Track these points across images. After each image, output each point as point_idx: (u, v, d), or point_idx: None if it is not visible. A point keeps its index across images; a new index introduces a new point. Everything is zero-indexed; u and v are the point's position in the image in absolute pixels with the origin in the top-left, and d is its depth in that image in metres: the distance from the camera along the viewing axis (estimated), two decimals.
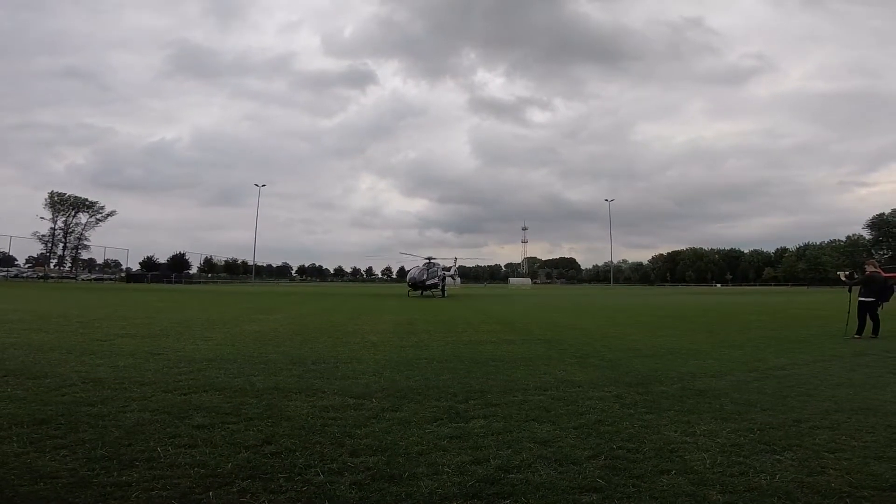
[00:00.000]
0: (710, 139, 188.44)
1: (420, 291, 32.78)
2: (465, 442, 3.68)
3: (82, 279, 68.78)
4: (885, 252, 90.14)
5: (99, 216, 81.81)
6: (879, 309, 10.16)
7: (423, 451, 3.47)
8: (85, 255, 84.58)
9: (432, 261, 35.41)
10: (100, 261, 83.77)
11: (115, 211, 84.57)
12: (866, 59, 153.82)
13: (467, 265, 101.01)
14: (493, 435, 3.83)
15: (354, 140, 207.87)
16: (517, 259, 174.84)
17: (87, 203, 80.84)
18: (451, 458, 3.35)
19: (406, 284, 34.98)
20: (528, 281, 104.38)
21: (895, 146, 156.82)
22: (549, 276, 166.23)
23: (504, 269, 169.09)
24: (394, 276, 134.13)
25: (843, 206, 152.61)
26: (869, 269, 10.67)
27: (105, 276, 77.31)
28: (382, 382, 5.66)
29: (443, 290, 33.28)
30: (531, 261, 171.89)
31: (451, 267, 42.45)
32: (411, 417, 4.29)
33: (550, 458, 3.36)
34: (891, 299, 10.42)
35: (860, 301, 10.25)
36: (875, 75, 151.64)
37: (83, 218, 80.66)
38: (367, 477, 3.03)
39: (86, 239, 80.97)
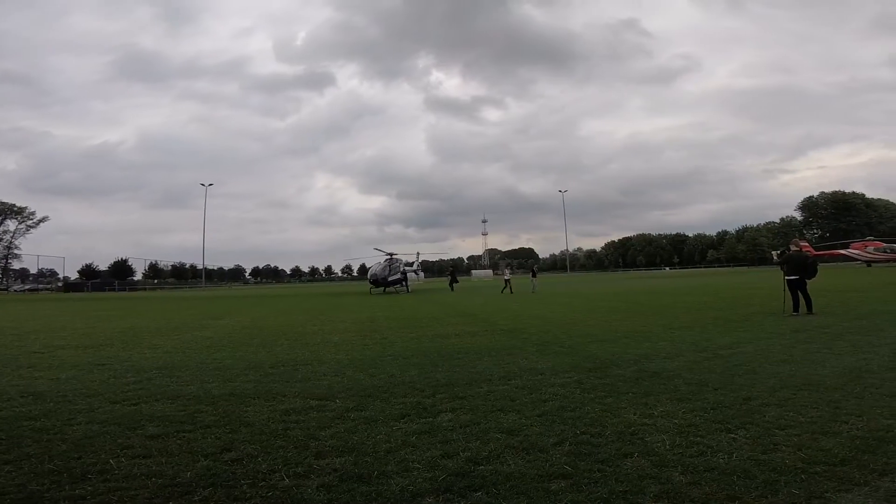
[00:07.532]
0: (647, 133, 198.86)
1: (382, 289, 32.47)
2: (433, 437, 3.66)
3: (14, 290, 63.99)
4: (816, 231, 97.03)
5: (29, 222, 76.20)
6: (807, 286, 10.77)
7: (392, 449, 3.43)
8: (16, 265, 78.94)
9: (394, 256, 35.13)
10: (34, 270, 78.57)
11: (46, 217, 78.90)
12: (784, 58, 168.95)
13: (430, 259, 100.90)
14: (461, 428, 3.84)
15: (308, 139, 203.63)
16: (479, 251, 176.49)
17: (14, 209, 75.06)
18: (421, 453, 3.33)
19: (368, 282, 34.57)
20: (490, 273, 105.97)
21: (811, 137, 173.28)
22: (509, 266, 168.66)
23: (466, 261, 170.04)
24: (354, 275, 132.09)
25: (769, 191, 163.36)
26: (792, 248, 11.35)
27: (40, 286, 72.34)
28: (346, 382, 5.56)
29: (406, 286, 33.07)
30: (492, 252, 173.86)
31: (413, 262, 42.18)
32: (377, 416, 4.24)
33: (518, 447, 3.40)
34: (816, 276, 11.02)
35: (786, 279, 10.93)
36: (792, 72, 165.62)
37: (11, 225, 74.94)
38: (334, 479, 2.97)
39: (16, 247, 75.36)
